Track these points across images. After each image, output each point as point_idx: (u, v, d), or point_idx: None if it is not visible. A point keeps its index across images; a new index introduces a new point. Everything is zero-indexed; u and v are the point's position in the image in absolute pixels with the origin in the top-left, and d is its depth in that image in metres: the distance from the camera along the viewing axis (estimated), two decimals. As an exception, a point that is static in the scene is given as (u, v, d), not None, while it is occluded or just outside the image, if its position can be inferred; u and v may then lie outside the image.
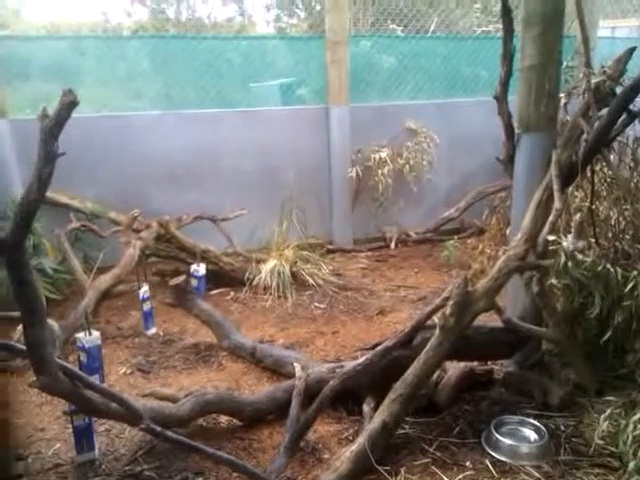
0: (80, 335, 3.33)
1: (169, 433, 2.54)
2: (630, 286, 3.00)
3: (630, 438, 2.68)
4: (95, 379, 2.87)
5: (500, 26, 3.60)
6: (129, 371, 3.95)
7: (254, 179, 6.28)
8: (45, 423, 3.31)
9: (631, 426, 2.70)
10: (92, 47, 5.93)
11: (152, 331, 4.55)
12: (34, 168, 2.23)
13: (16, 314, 2.46)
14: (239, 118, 6.22)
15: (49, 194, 4.68)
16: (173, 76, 6.21)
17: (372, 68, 6.81)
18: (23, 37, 6.00)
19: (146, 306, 4.52)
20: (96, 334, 3.36)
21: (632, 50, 3.37)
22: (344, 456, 2.73)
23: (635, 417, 2.73)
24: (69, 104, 2.26)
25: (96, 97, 6.05)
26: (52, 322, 3.77)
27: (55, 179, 2.29)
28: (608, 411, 2.93)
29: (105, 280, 4.74)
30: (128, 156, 5.86)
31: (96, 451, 2.95)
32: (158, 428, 2.51)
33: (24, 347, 2.39)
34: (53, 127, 2.24)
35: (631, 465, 2.61)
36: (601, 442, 2.85)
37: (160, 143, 5.94)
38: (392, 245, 6.60)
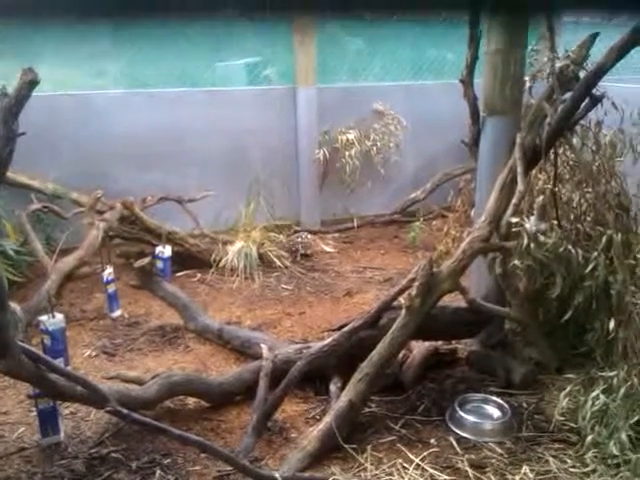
0: (43, 318, 3.28)
1: (136, 415, 2.53)
2: (590, 267, 3.08)
3: (588, 414, 2.78)
4: (59, 362, 2.83)
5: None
6: (94, 354, 3.91)
7: (220, 160, 6.21)
8: (9, 407, 3.26)
9: (589, 402, 2.80)
10: (53, 24, 5.75)
11: (117, 313, 4.49)
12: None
13: (-23, 297, 2.40)
14: (204, 98, 6.14)
15: (9, 174, 4.55)
16: (137, 55, 6.07)
17: (339, 50, 6.77)
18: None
19: (110, 288, 4.46)
20: (60, 317, 3.31)
21: (595, 35, 3.42)
22: (311, 435, 2.77)
23: (593, 394, 2.82)
24: (29, 83, 2.21)
25: (57, 76, 5.88)
26: (14, 305, 3.69)
27: (15, 159, 2.24)
28: (568, 388, 3.03)
29: (68, 262, 4.65)
30: (90, 136, 5.72)
31: (62, 434, 2.92)
32: (125, 410, 2.50)
33: (-14, 330, 2.34)
34: (13, 106, 2.19)
35: (588, 439, 2.71)
36: (561, 418, 2.95)
37: (124, 123, 5.82)
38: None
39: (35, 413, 2.88)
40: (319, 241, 5.98)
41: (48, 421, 2.86)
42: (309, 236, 5.87)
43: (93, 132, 5.73)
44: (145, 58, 6.10)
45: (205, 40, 6.24)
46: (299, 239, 5.73)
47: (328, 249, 5.97)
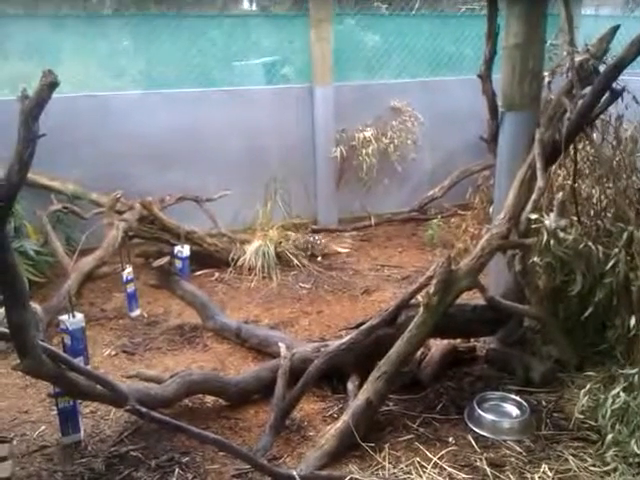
0: (64, 317, 3.31)
1: (155, 414, 2.55)
2: (611, 264, 3.03)
3: (609, 412, 2.74)
4: (79, 361, 2.86)
5: (484, 4, 3.59)
6: (114, 353, 3.94)
7: (238, 159, 6.22)
8: (29, 406, 3.30)
9: (610, 400, 2.76)
10: (72, 25, 5.81)
11: (136, 313, 4.53)
12: (15, 150, 2.20)
13: (-2, 297, 2.44)
14: (222, 97, 6.15)
15: (29, 175, 4.58)
16: (155, 55, 6.12)
17: (356, 47, 6.75)
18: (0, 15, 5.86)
19: (130, 288, 4.50)
20: (80, 316, 3.35)
21: (615, 28, 3.37)
22: (329, 433, 2.76)
23: (614, 391, 2.78)
24: (49, 85, 2.22)
25: (77, 77, 5.94)
26: (35, 305, 3.74)
27: (36, 160, 2.26)
28: (588, 386, 2.99)
29: (88, 262, 4.70)
30: (110, 137, 5.76)
31: (82, 433, 2.95)
32: (144, 409, 2.51)
33: (7, 330, 2.37)
34: (33, 108, 2.21)
35: (609, 438, 2.67)
36: (581, 416, 2.91)
37: (142, 123, 5.86)
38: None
39: (56, 412, 2.92)
40: (332, 242, 5.95)
41: (68, 420, 2.89)
42: (323, 240, 5.82)
43: (112, 133, 5.77)
44: (163, 58, 6.15)
45: (223, 39, 6.27)
46: (311, 239, 5.71)
47: (341, 250, 5.94)
